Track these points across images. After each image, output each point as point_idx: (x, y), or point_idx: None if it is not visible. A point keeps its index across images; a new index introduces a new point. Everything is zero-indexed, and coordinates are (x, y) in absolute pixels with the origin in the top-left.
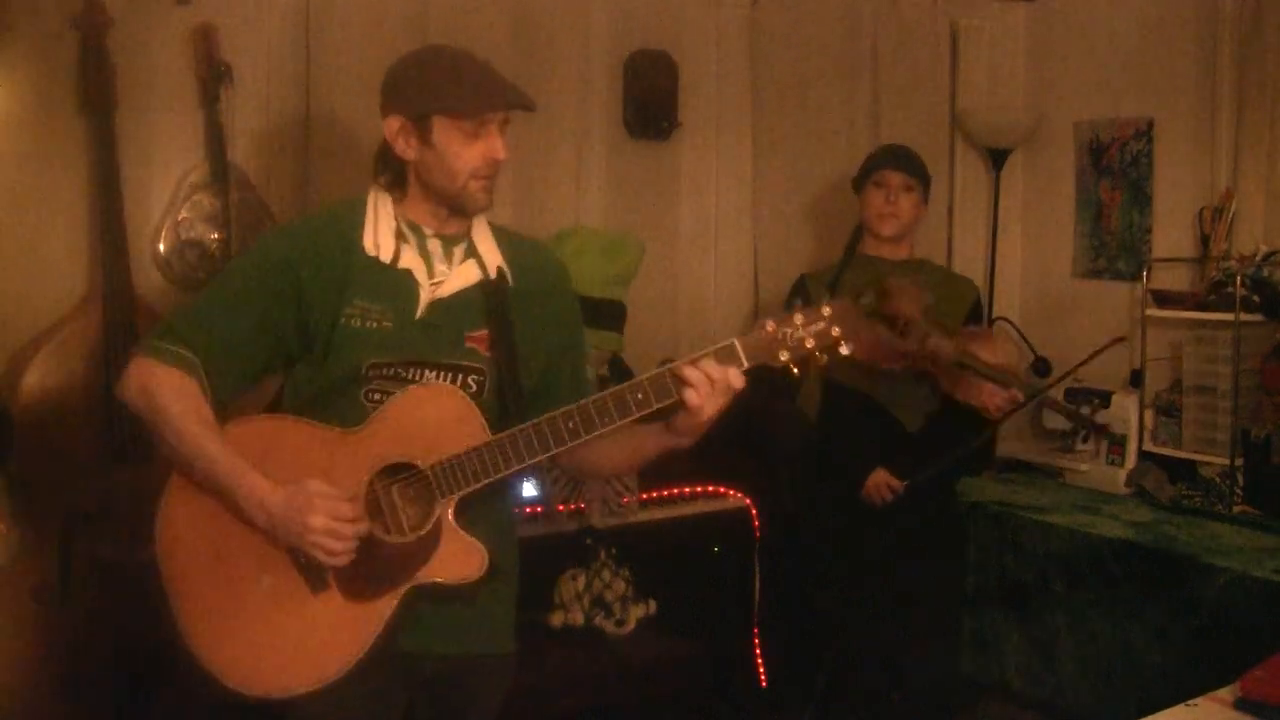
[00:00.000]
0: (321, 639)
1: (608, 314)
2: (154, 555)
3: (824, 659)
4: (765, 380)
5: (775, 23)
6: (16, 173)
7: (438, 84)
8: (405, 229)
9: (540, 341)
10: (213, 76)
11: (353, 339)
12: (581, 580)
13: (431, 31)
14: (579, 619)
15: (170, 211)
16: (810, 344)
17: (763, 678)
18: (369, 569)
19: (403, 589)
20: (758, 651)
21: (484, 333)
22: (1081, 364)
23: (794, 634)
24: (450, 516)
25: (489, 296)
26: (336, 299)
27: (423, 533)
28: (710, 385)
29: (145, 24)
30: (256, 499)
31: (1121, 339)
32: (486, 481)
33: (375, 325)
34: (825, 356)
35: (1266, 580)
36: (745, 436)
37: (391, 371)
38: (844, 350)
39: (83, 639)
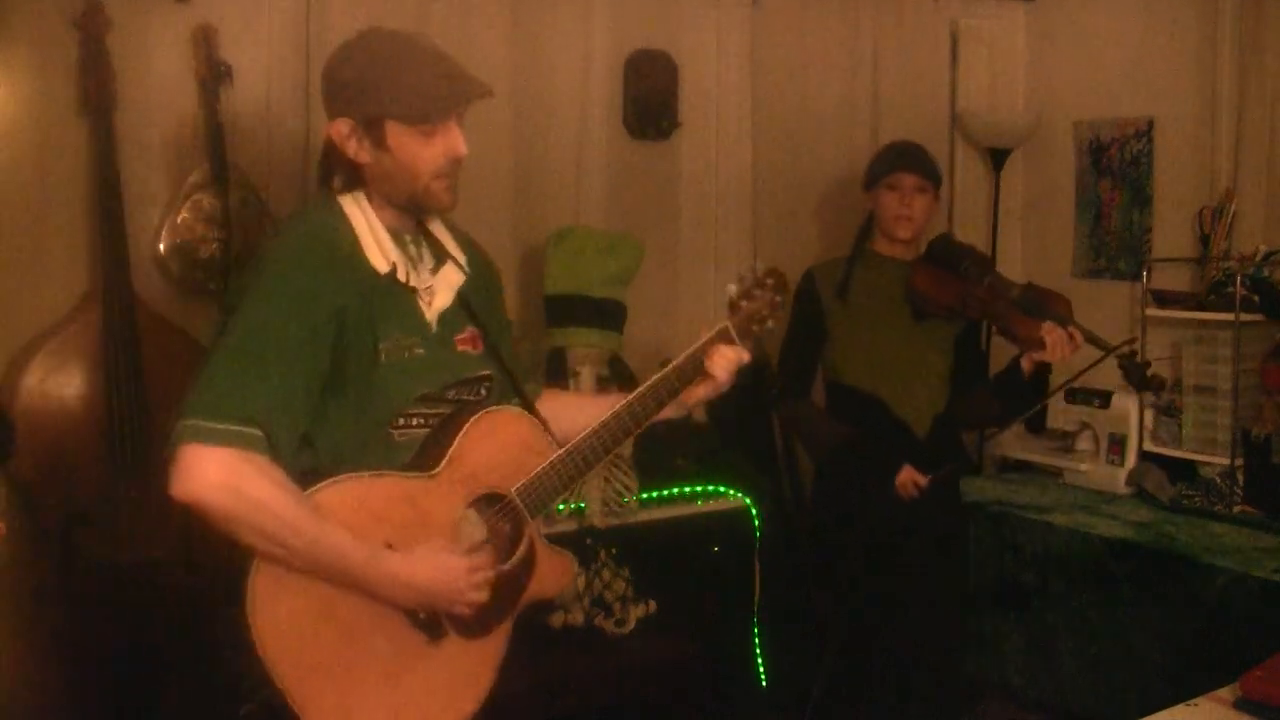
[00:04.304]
0: (453, 683)
1: (608, 314)
2: (252, 653)
3: (824, 659)
4: (777, 384)
5: (775, 23)
6: (16, 173)
7: (387, 84)
8: (391, 240)
9: (499, 325)
10: (213, 76)
11: (398, 374)
12: (581, 580)
13: (432, 32)
14: (579, 619)
15: (170, 212)
16: (766, 312)
17: (763, 678)
18: (482, 605)
19: (513, 614)
20: (758, 651)
21: (469, 332)
22: (1076, 377)
23: (794, 634)
24: (538, 534)
25: (466, 294)
26: (370, 332)
27: (522, 554)
28: (728, 361)
29: (145, 24)
30: (399, 579)
31: (1132, 341)
32: (563, 494)
33: (409, 355)
34: (773, 321)
35: (1266, 580)
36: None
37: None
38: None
39: (83, 639)
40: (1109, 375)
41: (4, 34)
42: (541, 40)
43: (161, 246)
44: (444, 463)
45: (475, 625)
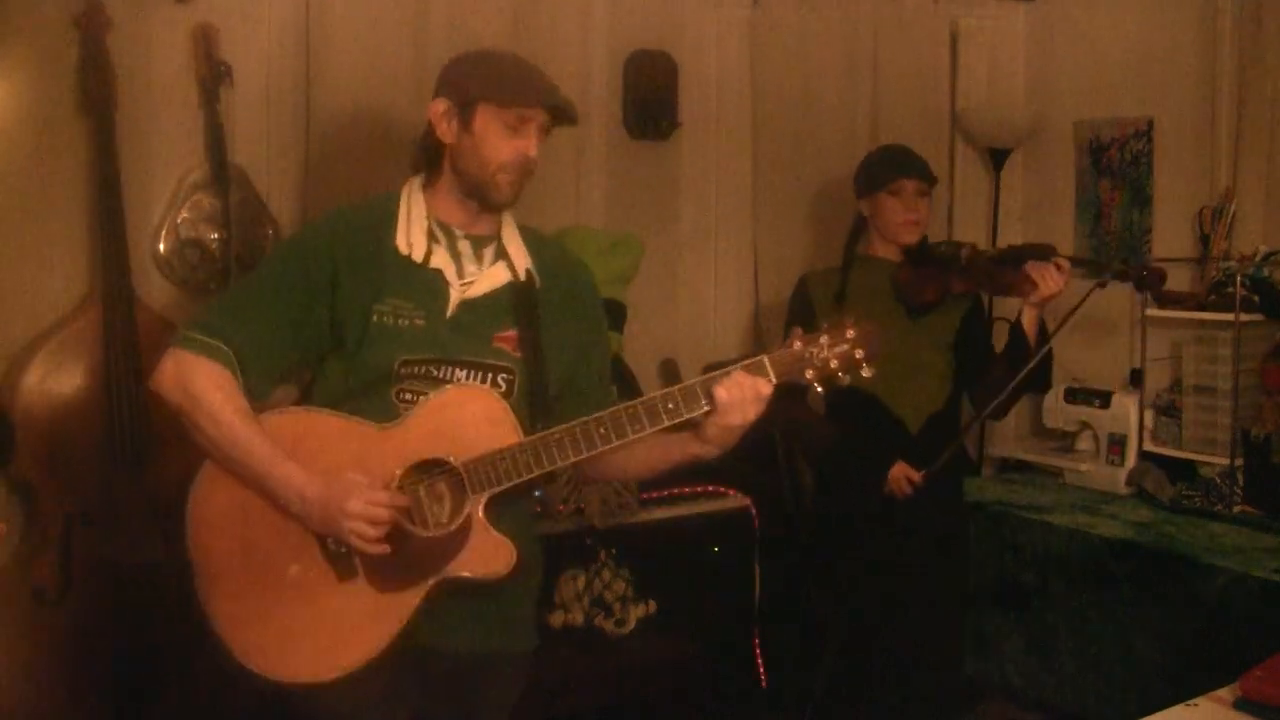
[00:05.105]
0: (346, 628)
1: (607, 314)
2: (183, 539)
3: (824, 659)
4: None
5: (775, 23)
6: (16, 173)
7: (489, 74)
8: (436, 229)
9: (566, 342)
10: (213, 76)
11: (385, 335)
12: (581, 580)
13: (432, 31)
14: (579, 619)
15: (170, 211)
16: (835, 365)
17: (763, 678)
18: (398, 561)
19: (430, 582)
20: (758, 651)
21: (512, 333)
22: (1077, 307)
23: (794, 634)
24: (480, 513)
25: (518, 298)
26: (369, 295)
27: (453, 528)
28: (741, 390)
29: (145, 24)
30: (293, 486)
31: (1110, 276)
32: (517, 481)
33: (407, 323)
34: (848, 377)
35: (1266, 580)
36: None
37: (423, 370)
38: (865, 373)
39: (83, 639)
40: (1110, 377)
41: (4, 34)
42: (541, 40)
43: (161, 246)
44: (400, 420)
45: (386, 577)
